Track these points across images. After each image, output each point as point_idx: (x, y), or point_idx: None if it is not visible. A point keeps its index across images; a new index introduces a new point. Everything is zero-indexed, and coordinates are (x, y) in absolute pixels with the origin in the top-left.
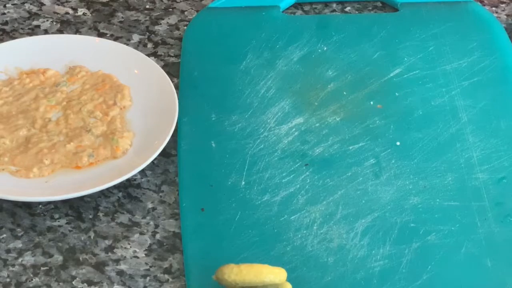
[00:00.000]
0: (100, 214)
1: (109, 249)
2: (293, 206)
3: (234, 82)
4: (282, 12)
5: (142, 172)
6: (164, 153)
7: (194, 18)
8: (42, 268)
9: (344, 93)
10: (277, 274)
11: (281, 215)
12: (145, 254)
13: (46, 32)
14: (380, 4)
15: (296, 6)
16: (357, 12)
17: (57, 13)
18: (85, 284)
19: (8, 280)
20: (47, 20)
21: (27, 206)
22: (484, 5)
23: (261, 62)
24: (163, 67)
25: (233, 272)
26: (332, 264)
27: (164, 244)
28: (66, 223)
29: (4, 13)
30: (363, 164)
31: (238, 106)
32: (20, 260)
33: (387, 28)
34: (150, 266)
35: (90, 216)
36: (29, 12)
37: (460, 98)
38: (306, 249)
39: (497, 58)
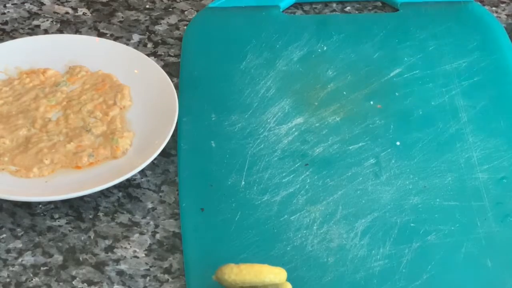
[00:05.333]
0: (100, 214)
1: (109, 249)
2: (293, 206)
3: (234, 82)
4: (282, 12)
5: (142, 172)
6: (164, 153)
7: (194, 18)
8: (42, 268)
9: (344, 93)
10: (277, 274)
11: (281, 215)
12: (145, 254)
13: (46, 32)
14: (380, 4)
15: (296, 6)
16: (357, 12)
17: (57, 13)
18: (85, 284)
19: (8, 280)
20: (47, 20)
21: (27, 206)
22: (484, 5)
23: (261, 62)
24: (163, 67)
25: (233, 272)
26: (332, 264)
27: (164, 244)
28: (66, 223)
29: (4, 13)
30: (363, 164)
31: (238, 106)
32: (20, 260)
33: (387, 28)
34: (150, 266)
35: (90, 216)
36: (29, 12)
37: (460, 98)
38: (306, 249)
39: (497, 58)
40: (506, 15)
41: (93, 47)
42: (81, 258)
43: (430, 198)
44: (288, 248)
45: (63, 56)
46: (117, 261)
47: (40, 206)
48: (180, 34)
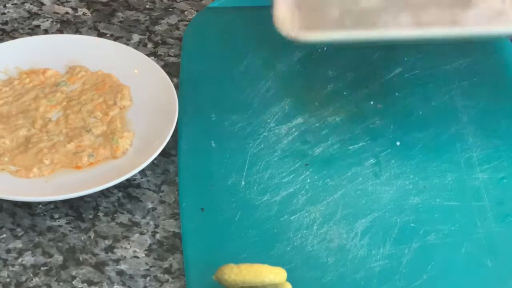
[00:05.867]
0: (100, 214)
1: (109, 249)
2: (293, 206)
3: (234, 82)
4: None
5: (142, 172)
6: (164, 153)
7: (194, 18)
8: (42, 268)
9: (344, 93)
10: (277, 274)
11: (281, 215)
12: (145, 254)
13: (46, 32)
14: None
15: None
16: None
17: (57, 13)
18: (85, 284)
19: (8, 280)
20: (47, 20)
21: (27, 206)
22: None
23: (261, 62)
24: (163, 67)
25: (233, 272)
26: (332, 264)
27: (164, 244)
28: (66, 223)
29: (4, 13)
30: (363, 164)
31: (238, 106)
32: (20, 260)
33: None
34: (150, 266)
35: (90, 216)
36: (29, 12)
37: (460, 98)
38: (306, 249)
39: (497, 58)
40: None
41: (93, 47)
42: (81, 258)
43: (430, 198)
44: (288, 248)
45: (63, 56)
46: (117, 261)
47: (40, 206)
48: (180, 34)
